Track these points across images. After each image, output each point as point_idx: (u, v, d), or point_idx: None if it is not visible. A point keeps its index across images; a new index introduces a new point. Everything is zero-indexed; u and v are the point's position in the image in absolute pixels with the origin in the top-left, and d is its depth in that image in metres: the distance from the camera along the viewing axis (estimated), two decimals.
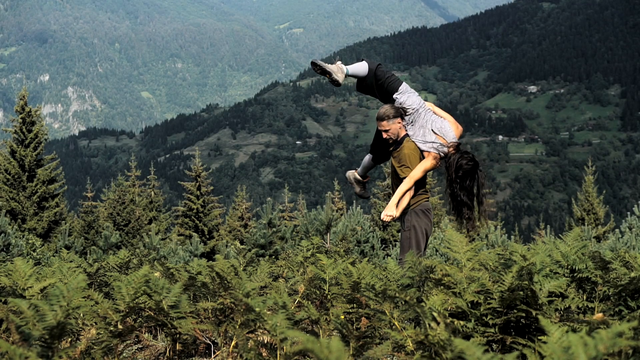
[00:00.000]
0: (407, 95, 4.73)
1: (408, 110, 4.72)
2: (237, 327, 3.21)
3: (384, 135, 4.78)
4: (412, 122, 4.73)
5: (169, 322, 3.25)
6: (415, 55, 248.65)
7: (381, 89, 4.81)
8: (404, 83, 4.79)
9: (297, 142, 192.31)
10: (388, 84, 4.77)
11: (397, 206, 4.67)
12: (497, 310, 2.81)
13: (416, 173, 4.65)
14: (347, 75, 4.86)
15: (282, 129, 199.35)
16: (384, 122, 4.75)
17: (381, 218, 4.78)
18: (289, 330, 2.20)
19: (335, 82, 4.82)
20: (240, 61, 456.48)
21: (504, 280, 2.85)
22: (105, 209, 25.09)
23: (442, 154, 4.72)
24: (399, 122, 4.74)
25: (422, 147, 4.70)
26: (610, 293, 3.27)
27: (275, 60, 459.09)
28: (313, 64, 4.89)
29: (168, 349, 3.52)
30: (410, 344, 2.59)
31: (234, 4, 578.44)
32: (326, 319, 3.44)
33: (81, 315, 3.65)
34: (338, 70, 4.79)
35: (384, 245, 18.09)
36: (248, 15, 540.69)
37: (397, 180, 4.78)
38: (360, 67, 4.85)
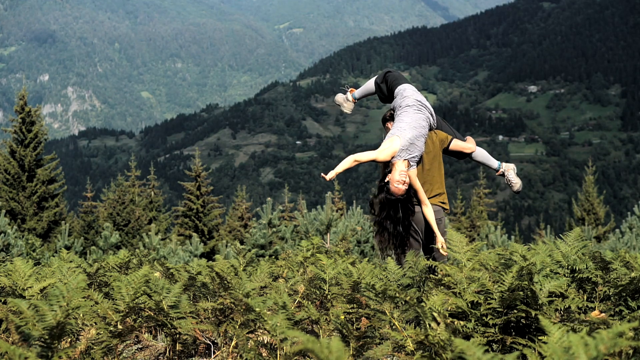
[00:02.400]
0: (396, 99, 4.59)
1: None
2: (237, 327, 3.21)
3: None
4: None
5: (169, 322, 3.25)
6: (415, 55, 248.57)
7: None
8: (401, 85, 4.61)
9: (297, 142, 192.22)
10: (392, 88, 4.69)
11: None
12: (497, 310, 2.81)
13: None
14: (358, 99, 5.18)
15: (282, 129, 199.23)
16: (384, 126, 4.81)
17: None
18: (289, 330, 2.19)
19: (345, 114, 5.42)
20: (240, 61, 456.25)
21: (504, 281, 2.85)
22: (105, 209, 25.09)
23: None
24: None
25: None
26: (610, 293, 3.27)
27: (275, 60, 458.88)
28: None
29: (168, 349, 3.51)
30: (411, 344, 2.59)
31: (234, 3, 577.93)
32: (326, 319, 3.44)
33: (81, 315, 3.65)
34: (344, 101, 5.23)
35: None
36: (248, 15, 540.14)
37: None
38: (368, 85, 4.98)
